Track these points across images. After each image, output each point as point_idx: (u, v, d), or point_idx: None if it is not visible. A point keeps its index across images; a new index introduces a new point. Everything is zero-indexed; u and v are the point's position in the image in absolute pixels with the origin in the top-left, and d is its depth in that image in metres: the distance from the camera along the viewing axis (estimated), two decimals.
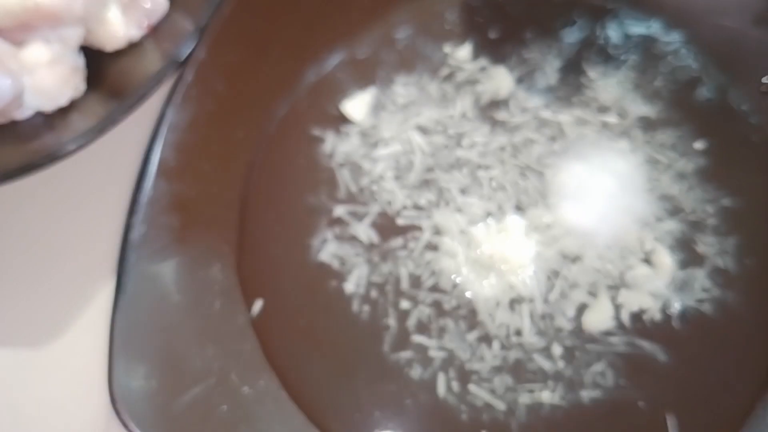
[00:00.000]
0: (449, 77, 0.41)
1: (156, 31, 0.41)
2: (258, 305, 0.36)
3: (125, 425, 0.30)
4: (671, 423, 0.34)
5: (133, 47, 0.40)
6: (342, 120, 0.40)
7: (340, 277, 0.37)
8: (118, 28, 0.39)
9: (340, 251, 0.38)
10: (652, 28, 0.41)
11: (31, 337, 0.38)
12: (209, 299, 0.35)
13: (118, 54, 0.40)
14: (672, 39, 0.41)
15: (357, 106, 0.40)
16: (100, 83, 0.40)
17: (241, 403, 0.34)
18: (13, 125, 0.39)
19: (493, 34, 0.41)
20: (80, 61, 0.39)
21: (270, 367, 0.35)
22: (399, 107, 0.40)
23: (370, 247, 0.38)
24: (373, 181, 0.39)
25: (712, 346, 0.36)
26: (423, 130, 0.40)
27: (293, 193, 0.39)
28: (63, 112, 0.39)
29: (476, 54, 0.41)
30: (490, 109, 0.40)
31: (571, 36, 0.41)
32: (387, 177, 0.39)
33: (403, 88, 0.41)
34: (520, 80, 0.40)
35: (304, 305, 0.37)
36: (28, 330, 0.38)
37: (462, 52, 0.41)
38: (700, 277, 0.37)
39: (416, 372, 0.35)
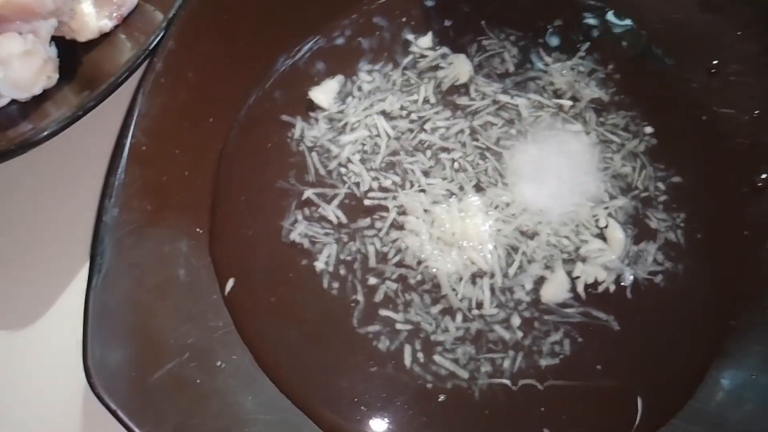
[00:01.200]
0: (412, 65, 0.42)
1: (127, 22, 0.42)
2: (230, 284, 0.38)
3: (100, 399, 0.31)
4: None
5: (105, 38, 0.42)
6: (310, 106, 0.41)
7: (311, 255, 0.39)
8: (90, 20, 0.41)
9: (310, 231, 0.39)
10: (606, 15, 0.43)
11: (7, 320, 0.39)
12: (182, 279, 0.37)
13: (91, 44, 0.41)
14: (623, 25, 0.43)
15: (325, 93, 0.42)
16: (73, 73, 0.41)
17: (215, 376, 0.35)
18: None
19: (452, 23, 0.43)
20: (53, 51, 0.40)
21: (243, 343, 0.37)
22: (365, 94, 0.42)
23: (339, 226, 0.39)
24: (341, 164, 0.40)
25: (664, 316, 0.38)
26: (388, 115, 0.41)
27: (264, 176, 0.40)
28: (37, 100, 0.40)
29: (437, 42, 0.43)
30: (451, 95, 0.42)
31: (527, 24, 0.43)
32: (354, 160, 0.40)
33: (368, 76, 0.42)
34: (479, 67, 0.42)
35: (276, 283, 0.38)
36: (5, 312, 0.39)
37: (424, 41, 0.43)
38: (652, 250, 0.39)
39: (384, 344, 0.37)
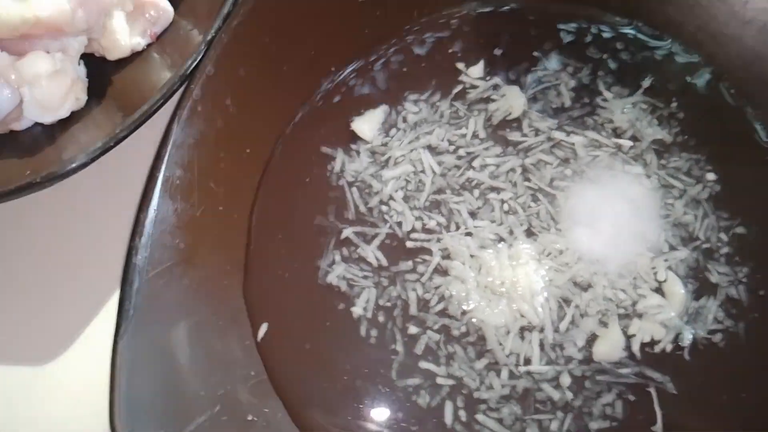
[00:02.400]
0: (461, 95, 0.40)
1: (161, 40, 0.40)
2: (263, 329, 0.36)
3: None
4: None
5: (137, 56, 0.39)
6: (352, 138, 0.39)
7: (348, 300, 0.36)
8: (122, 37, 0.39)
9: (348, 273, 0.37)
10: (670, 49, 0.40)
11: (30, 353, 0.37)
12: (214, 323, 0.35)
13: (122, 63, 0.39)
14: (689, 60, 0.40)
15: (368, 123, 0.39)
16: (103, 93, 0.39)
17: (246, 431, 0.33)
18: (13, 136, 0.38)
19: (506, 52, 0.40)
20: (82, 71, 0.38)
21: (275, 393, 0.34)
22: (410, 125, 0.39)
23: (379, 269, 0.37)
24: (383, 201, 0.38)
25: (723, 379, 0.35)
26: (434, 149, 0.39)
27: (302, 212, 0.38)
28: (64, 123, 0.38)
29: (489, 72, 0.40)
30: (502, 129, 0.39)
31: (587, 55, 0.40)
32: (397, 197, 0.38)
33: (414, 106, 0.40)
34: (533, 100, 0.40)
35: (311, 329, 0.36)
36: (28, 346, 0.37)
37: (475, 70, 0.40)
38: (712, 307, 0.36)
39: (424, 400, 0.35)
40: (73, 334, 0.37)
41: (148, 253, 0.33)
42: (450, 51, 0.40)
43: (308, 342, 0.36)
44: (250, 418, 0.33)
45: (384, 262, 0.37)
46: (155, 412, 0.31)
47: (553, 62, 0.40)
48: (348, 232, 0.38)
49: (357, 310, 0.36)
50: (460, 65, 0.40)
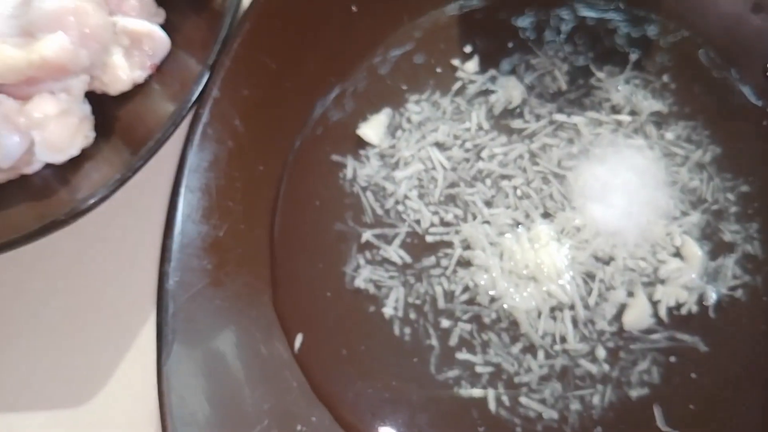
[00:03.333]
0: (461, 91, 0.41)
1: (161, 71, 0.40)
2: (299, 339, 0.36)
3: None
4: None
5: (138, 89, 0.40)
6: (360, 144, 0.40)
7: (378, 301, 0.37)
8: (122, 72, 0.39)
9: (375, 275, 0.37)
10: (653, 23, 0.42)
11: (67, 393, 0.37)
12: (251, 339, 0.35)
13: (125, 97, 0.39)
14: (673, 31, 0.41)
15: (373, 128, 0.40)
16: (110, 129, 0.39)
17: None
18: (24, 180, 0.38)
19: (498, 44, 0.41)
20: (87, 109, 0.38)
21: (320, 401, 0.35)
22: (415, 125, 0.40)
23: (404, 267, 0.37)
24: (398, 201, 0.39)
25: (749, 331, 0.36)
26: (441, 146, 0.40)
27: (321, 221, 0.38)
28: (75, 162, 0.38)
29: (485, 65, 0.41)
30: (504, 119, 0.40)
31: (575, 40, 0.41)
32: (412, 196, 0.39)
33: (416, 106, 0.40)
34: (530, 87, 0.41)
35: (346, 334, 0.36)
36: (65, 386, 0.37)
37: (470, 65, 0.41)
38: (730, 264, 0.37)
39: (466, 390, 0.35)
40: (110, 369, 0.36)
41: (178, 277, 0.33)
42: (444, 50, 0.41)
43: (344, 347, 0.36)
44: (299, 428, 0.33)
45: (408, 259, 0.38)
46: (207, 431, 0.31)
47: (545, 49, 0.41)
48: (368, 235, 0.38)
49: (388, 311, 0.37)
50: (456, 62, 0.41)
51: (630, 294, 0.36)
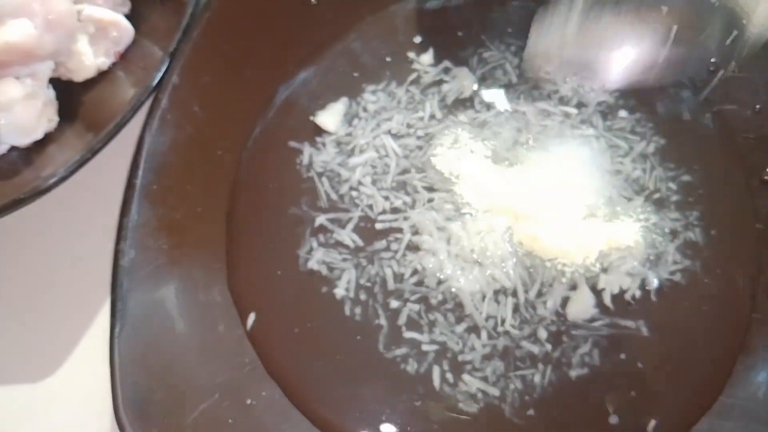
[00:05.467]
0: (415, 81, 0.42)
1: (125, 59, 0.41)
2: (252, 318, 0.37)
3: None
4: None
5: (103, 76, 0.41)
6: (317, 131, 0.41)
7: (330, 282, 0.38)
8: (86, 59, 0.40)
9: (327, 258, 0.39)
10: None
11: (28, 371, 0.38)
12: (205, 316, 0.36)
13: (89, 84, 0.41)
14: None
15: (330, 116, 0.41)
16: (74, 114, 0.40)
17: (247, 415, 0.34)
18: None
19: (452, 38, 0.43)
20: (51, 94, 0.40)
21: (271, 377, 0.36)
22: (371, 114, 0.42)
23: (356, 250, 0.39)
24: (353, 187, 0.40)
25: (688, 315, 0.38)
26: (395, 134, 0.41)
27: (276, 205, 0.40)
28: (39, 145, 0.39)
29: (439, 57, 0.43)
30: (456, 108, 0.42)
31: (524, 34, 0.43)
32: (365, 182, 0.40)
33: (372, 96, 0.42)
34: (482, 79, 0.42)
35: (298, 314, 0.38)
36: (25, 363, 0.38)
37: (425, 57, 0.42)
38: (671, 250, 0.39)
39: (412, 367, 0.37)
40: (69, 346, 0.38)
41: (133, 255, 0.35)
42: (401, 43, 0.43)
43: (296, 326, 0.37)
44: (249, 402, 0.35)
45: (360, 243, 0.39)
46: (158, 403, 0.33)
47: (496, 43, 0.43)
48: (322, 219, 0.39)
49: (340, 291, 0.38)
50: (411, 54, 0.43)
51: (572, 286, 0.38)
